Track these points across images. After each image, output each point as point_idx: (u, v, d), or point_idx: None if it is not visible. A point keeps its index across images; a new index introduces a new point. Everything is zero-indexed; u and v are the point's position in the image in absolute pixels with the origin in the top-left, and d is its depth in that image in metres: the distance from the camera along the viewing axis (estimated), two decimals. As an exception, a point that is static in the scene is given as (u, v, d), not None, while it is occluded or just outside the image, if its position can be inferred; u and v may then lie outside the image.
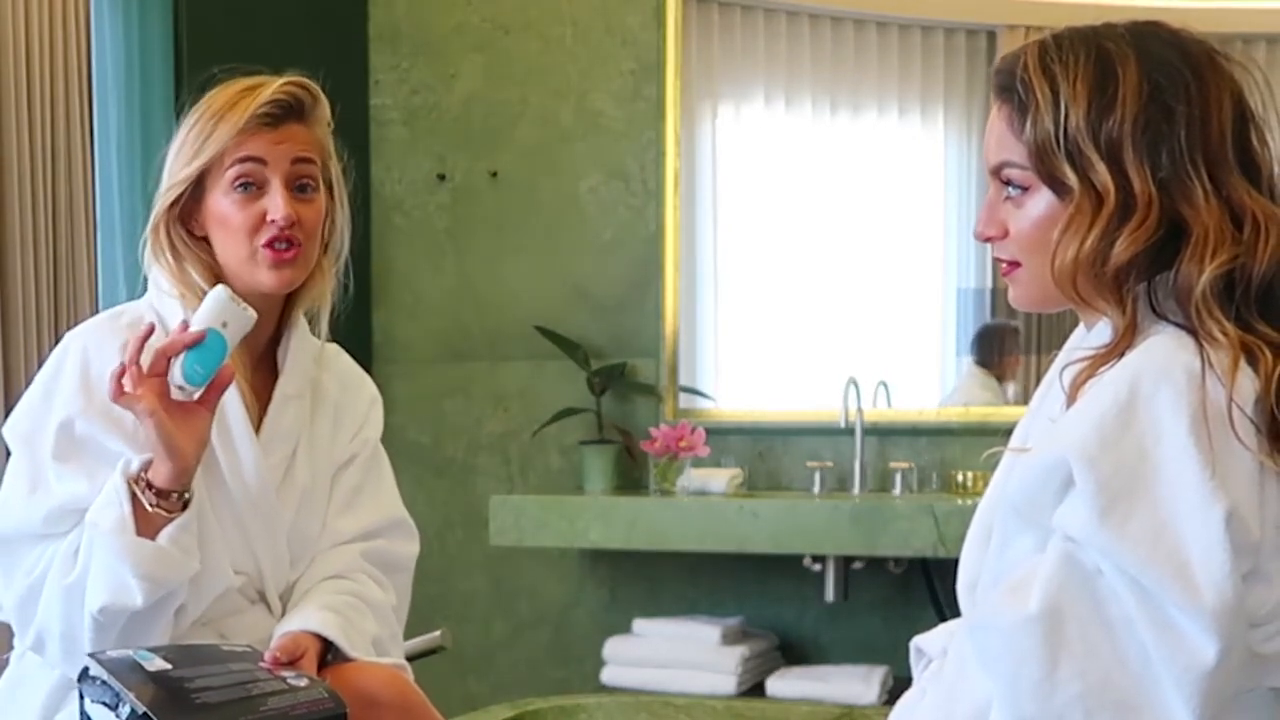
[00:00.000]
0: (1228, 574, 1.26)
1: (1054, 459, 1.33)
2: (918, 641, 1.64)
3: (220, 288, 1.78)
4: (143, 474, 1.76)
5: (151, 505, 1.75)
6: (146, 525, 1.74)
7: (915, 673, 1.64)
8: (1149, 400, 1.30)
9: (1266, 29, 3.47)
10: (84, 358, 1.86)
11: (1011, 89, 1.44)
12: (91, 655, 1.66)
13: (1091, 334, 1.46)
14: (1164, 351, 1.34)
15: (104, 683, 1.60)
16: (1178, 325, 1.37)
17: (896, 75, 3.66)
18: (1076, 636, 1.29)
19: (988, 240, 1.49)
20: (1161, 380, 1.31)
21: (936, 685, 1.44)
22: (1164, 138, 1.38)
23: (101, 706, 1.60)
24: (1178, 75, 1.40)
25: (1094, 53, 1.41)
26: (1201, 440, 1.28)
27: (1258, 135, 1.42)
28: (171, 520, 1.75)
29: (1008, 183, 1.45)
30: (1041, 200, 1.42)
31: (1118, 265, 1.38)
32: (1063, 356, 1.52)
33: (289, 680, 1.68)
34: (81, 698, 1.65)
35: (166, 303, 1.91)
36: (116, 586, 1.73)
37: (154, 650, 1.69)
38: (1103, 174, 1.38)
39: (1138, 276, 1.39)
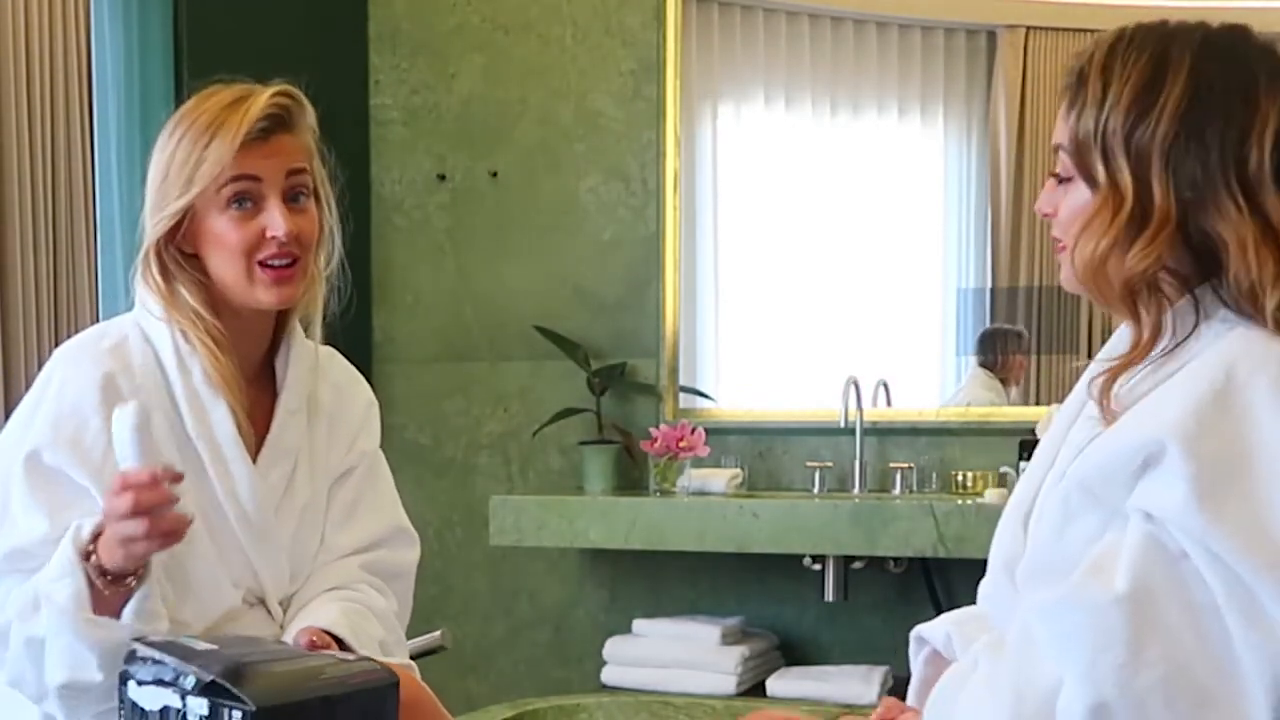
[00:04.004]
0: None
1: (1141, 439, 1.32)
2: (920, 631, 1.63)
3: (124, 422, 1.68)
4: (93, 552, 1.69)
5: (107, 588, 1.70)
6: (102, 603, 1.70)
7: (914, 662, 1.63)
8: (1245, 387, 1.31)
9: (1266, 29, 3.47)
10: (61, 389, 1.83)
11: (1071, 77, 1.46)
12: (138, 640, 1.65)
13: (1118, 342, 1.46)
14: (1259, 342, 1.35)
15: (156, 661, 1.58)
16: (1252, 324, 1.37)
17: (896, 75, 3.66)
18: (1160, 621, 1.27)
19: (1045, 216, 1.51)
20: (1257, 368, 1.32)
21: (994, 663, 1.40)
22: (1192, 156, 1.38)
23: (155, 686, 1.57)
24: (1224, 96, 1.40)
25: (1154, 57, 1.42)
26: None
27: None
28: (132, 592, 1.71)
29: (1058, 166, 1.47)
30: (1080, 190, 1.45)
31: (1130, 274, 1.39)
32: (1106, 348, 1.52)
33: (336, 656, 1.69)
34: (123, 684, 1.63)
35: (153, 324, 1.87)
36: (76, 664, 1.70)
37: (194, 637, 1.68)
38: (1126, 178, 1.39)
39: (1177, 288, 1.40)
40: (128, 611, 1.70)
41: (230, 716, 1.49)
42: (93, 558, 1.70)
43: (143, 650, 1.61)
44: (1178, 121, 1.39)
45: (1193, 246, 1.39)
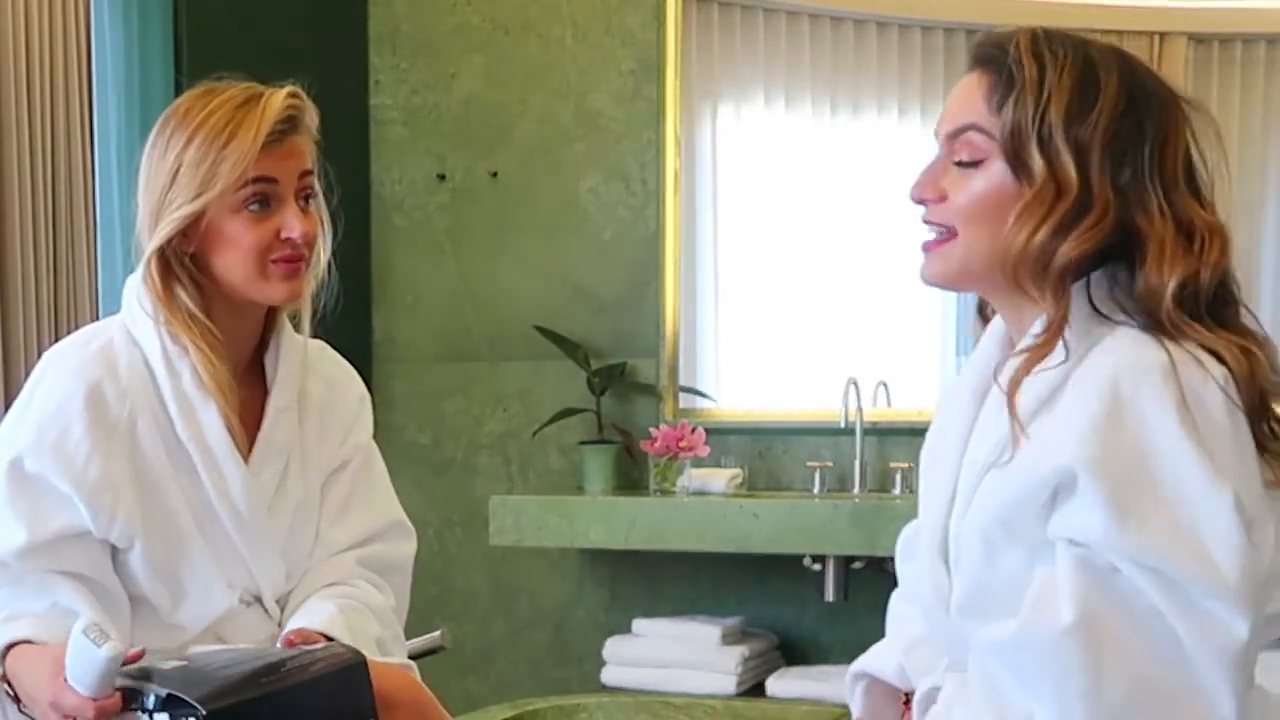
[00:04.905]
0: (1245, 552, 1.30)
1: (1049, 470, 1.35)
2: (862, 667, 1.65)
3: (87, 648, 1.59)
4: (7, 672, 1.72)
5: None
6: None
7: (852, 700, 1.65)
8: (1132, 400, 1.34)
9: (1266, 29, 3.47)
10: (46, 394, 1.83)
11: (998, 62, 1.46)
12: None
13: (1025, 339, 1.47)
14: (1131, 351, 1.37)
15: (130, 688, 1.60)
16: (1130, 325, 1.40)
17: (896, 75, 3.66)
18: (1112, 639, 1.31)
19: (921, 202, 1.50)
20: (1139, 378, 1.35)
21: (965, 708, 1.43)
22: (1129, 151, 1.42)
23: (126, 711, 1.61)
24: (1152, 98, 1.45)
25: (1082, 56, 1.45)
26: (1191, 430, 1.32)
27: (1206, 183, 1.47)
28: None
29: (962, 149, 1.47)
30: (994, 174, 1.45)
31: (1064, 262, 1.41)
32: (971, 367, 1.55)
33: (303, 648, 1.70)
34: None
35: (141, 326, 1.86)
36: None
37: (166, 657, 1.70)
38: (1068, 168, 1.41)
39: (1077, 274, 1.43)
40: None
41: None
42: (2, 672, 1.73)
43: (119, 681, 1.63)
44: (1116, 120, 1.42)
45: (1113, 239, 1.42)
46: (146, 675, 1.60)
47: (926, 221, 1.50)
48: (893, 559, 3.38)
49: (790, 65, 3.69)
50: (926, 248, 1.51)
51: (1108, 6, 3.48)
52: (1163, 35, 3.45)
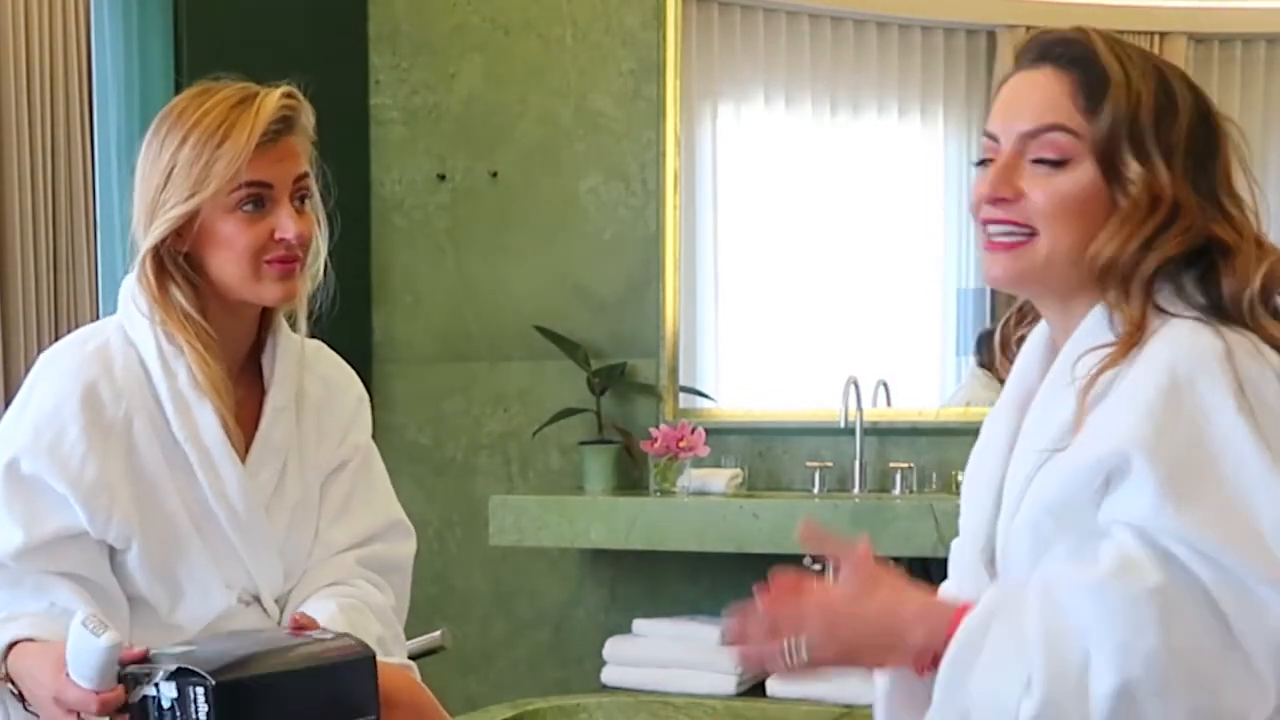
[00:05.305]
0: None
1: (1101, 455, 1.35)
2: None
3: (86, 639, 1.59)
4: (8, 674, 1.73)
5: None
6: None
7: None
8: (1189, 384, 1.33)
9: (1266, 29, 3.47)
10: (42, 395, 1.83)
11: (1081, 63, 1.44)
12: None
13: (1081, 333, 1.46)
14: (1188, 339, 1.37)
15: (129, 675, 1.61)
16: (1185, 317, 1.40)
17: (896, 75, 3.67)
18: (1183, 611, 1.31)
19: (998, 201, 1.45)
20: (1195, 364, 1.34)
21: (1007, 623, 1.39)
22: (1207, 160, 1.43)
23: (135, 684, 1.62)
24: (1214, 113, 1.45)
25: (1150, 62, 1.45)
26: (1249, 416, 1.31)
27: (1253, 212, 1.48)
28: None
29: (1046, 149, 1.44)
30: (1083, 176, 1.43)
31: (1152, 270, 1.41)
32: (1013, 381, 1.53)
33: (313, 635, 1.70)
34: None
35: (137, 326, 1.86)
36: None
37: (174, 644, 1.70)
38: (1162, 176, 1.41)
39: (1158, 278, 1.43)
40: None
41: (194, 694, 1.54)
42: (5, 671, 1.73)
43: (127, 669, 1.64)
44: (1194, 127, 1.43)
45: (1194, 246, 1.42)
46: (159, 658, 1.61)
47: (997, 220, 1.46)
48: (892, 559, 3.37)
49: (790, 65, 3.70)
50: (1001, 248, 1.46)
51: (1108, 6, 3.48)
52: (1163, 35, 3.46)
